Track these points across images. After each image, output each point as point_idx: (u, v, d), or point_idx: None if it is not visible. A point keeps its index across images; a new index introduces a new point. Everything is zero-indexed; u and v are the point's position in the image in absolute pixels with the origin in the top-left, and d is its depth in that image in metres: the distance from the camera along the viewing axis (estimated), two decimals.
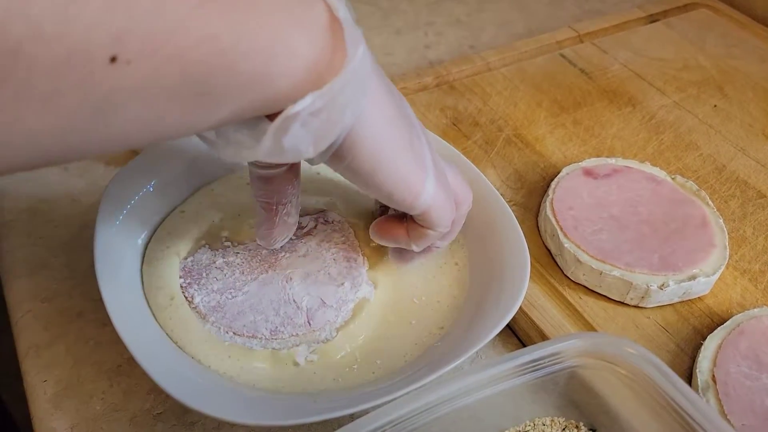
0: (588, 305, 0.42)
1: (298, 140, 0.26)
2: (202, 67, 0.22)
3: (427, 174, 0.32)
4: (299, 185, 0.35)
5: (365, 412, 0.30)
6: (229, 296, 0.37)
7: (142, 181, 0.41)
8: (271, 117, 0.26)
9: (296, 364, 0.35)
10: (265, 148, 0.26)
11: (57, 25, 0.18)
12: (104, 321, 0.39)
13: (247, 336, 0.36)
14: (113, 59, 0.19)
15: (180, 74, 0.21)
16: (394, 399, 0.30)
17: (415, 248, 0.36)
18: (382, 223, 0.37)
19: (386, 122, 0.30)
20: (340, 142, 0.29)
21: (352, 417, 0.31)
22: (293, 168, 0.34)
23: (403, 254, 0.39)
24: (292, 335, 0.36)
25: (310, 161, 0.30)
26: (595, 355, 0.32)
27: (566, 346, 0.32)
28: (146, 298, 0.37)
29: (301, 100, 0.25)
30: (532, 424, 0.34)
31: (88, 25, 0.18)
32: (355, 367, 0.36)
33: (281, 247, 0.38)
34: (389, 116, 0.30)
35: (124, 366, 0.38)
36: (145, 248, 0.40)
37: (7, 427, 0.49)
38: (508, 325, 0.41)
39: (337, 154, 0.29)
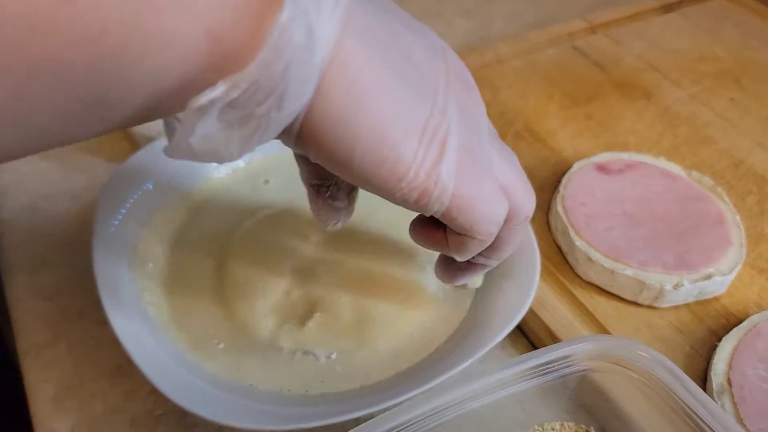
0: (600, 305, 0.41)
1: (212, 142, 0.20)
2: (89, 74, 0.18)
3: (444, 158, 0.24)
4: None
5: (370, 416, 0.29)
6: None
7: (142, 178, 0.40)
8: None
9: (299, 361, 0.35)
10: (174, 148, 0.21)
11: None
12: (105, 320, 0.39)
13: None
14: None
15: (54, 86, 0.17)
16: (401, 403, 0.29)
17: (456, 257, 0.29)
18: (418, 222, 0.30)
19: (368, 88, 0.22)
20: (297, 128, 0.22)
21: (356, 421, 0.31)
22: None
23: (447, 269, 0.32)
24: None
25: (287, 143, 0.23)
26: (607, 358, 0.31)
27: (577, 349, 0.31)
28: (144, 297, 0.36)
29: (207, 91, 0.19)
30: (541, 429, 0.33)
31: None
32: (357, 368, 0.35)
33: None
34: (370, 77, 0.22)
35: (125, 366, 0.38)
36: (144, 246, 0.39)
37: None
38: (517, 326, 0.40)
39: (299, 142, 0.23)
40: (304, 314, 0.36)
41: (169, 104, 0.20)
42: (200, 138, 0.20)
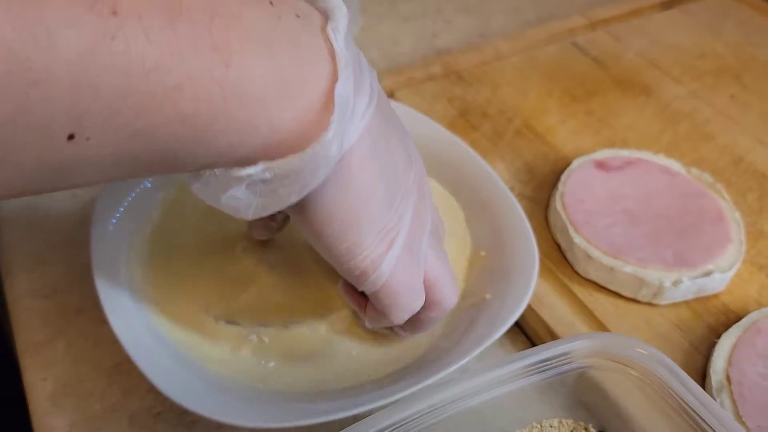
0: (599, 302, 0.41)
1: (237, 202, 0.25)
2: (171, 142, 0.21)
3: (389, 253, 0.29)
4: None
5: (368, 413, 0.29)
6: None
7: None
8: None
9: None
10: (203, 192, 0.25)
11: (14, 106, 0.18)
12: (104, 318, 0.38)
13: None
14: (71, 137, 0.19)
15: (145, 148, 0.21)
16: (398, 400, 0.29)
17: (367, 324, 0.33)
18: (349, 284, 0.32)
19: (359, 187, 0.27)
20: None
21: (354, 418, 0.31)
22: None
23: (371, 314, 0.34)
24: None
25: None
26: (606, 355, 0.31)
27: (576, 346, 0.31)
28: (143, 295, 0.36)
29: (249, 167, 0.23)
30: (539, 426, 0.33)
31: (50, 109, 0.18)
32: (357, 366, 0.35)
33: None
34: (363, 179, 0.27)
35: (124, 364, 0.38)
36: (143, 244, 0.39)
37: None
38: (516, 323, 0.40)
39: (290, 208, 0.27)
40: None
41: (216, 166, 0.24)
42: (229, 197, 0.24)
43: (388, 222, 0.28)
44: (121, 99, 0.19)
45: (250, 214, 0.25)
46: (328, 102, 0.24)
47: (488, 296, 0.36)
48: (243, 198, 0.24)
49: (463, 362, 0.32)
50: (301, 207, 0.27)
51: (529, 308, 0.39)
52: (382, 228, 0.28)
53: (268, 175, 0.23)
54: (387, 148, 0.28)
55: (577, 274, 0.42)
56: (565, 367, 0.31)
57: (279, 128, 0.23)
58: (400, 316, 0.31)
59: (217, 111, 0.21)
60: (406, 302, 0.30)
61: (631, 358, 0.30)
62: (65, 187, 0.22)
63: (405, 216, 0.29)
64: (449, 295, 0.32)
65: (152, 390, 0.36)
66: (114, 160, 0.21)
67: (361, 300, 0.33)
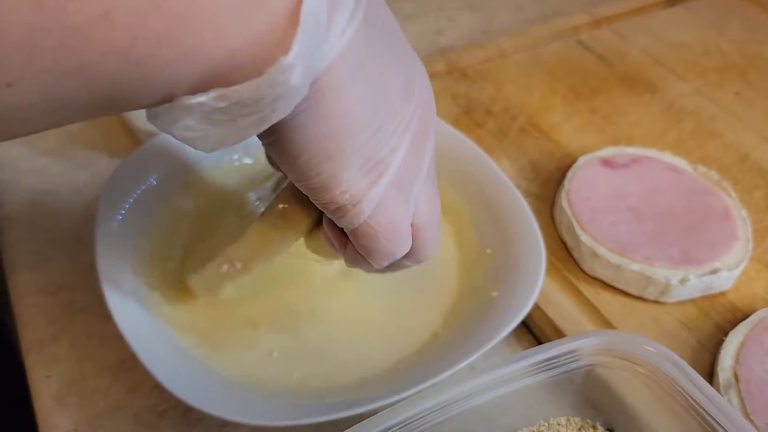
0: (605, 300, 0.40)
1: (192, 133, 0.22)
2: (111, 80, 0.19)
3: (372, 189, 0.26)
4: None
5: (374, 411, 0.29)
6: None
7: (145, 174, 0.40)
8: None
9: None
10: (154, 120, 0.22)
11: None
12: (108, 316, 0.38)
13: None
14: None
15: (82, 89, 0.19)
16: (405, 398, 0.29)
17: (345, 262, 0.30)
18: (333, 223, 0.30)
19: (336, 115, 0.24)
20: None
21: (360, 417, 0.30)
22: None
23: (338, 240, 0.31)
24: None
25: None
26: (613, 353, 0.31)
27: (583, 344, 0.31)
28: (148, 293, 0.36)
29: (199, 95, 0.20)
30: (546, 424, 0.33)
31: None
32: (362, 363, 0.35)
33: None
34: (342, 106, 0.24)
35: (128, 362, 0.37)
36: (147, 242, 0.39)
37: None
38: (522, 322, 0.40)
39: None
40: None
41: (176, 98, 0.21)
42: (182, 128, 0.21)
43: (375, 155, 0.25)
44: (36, 38, 0.17)
45: (208, 147, 0.22)
46: (294, 18, 0.20)
47: (495, 294, 0.36)
48: (198, 129, 0.21)
49: (469, 360, 0.32)
50: (269, 133, 0.24)
51: (536, 306, 0.39)
52: (366, 161, 0.25)
53: (222, 104, 0.20)
54: (377, 70, 0.25)
55: (584, 272, 0.42)
56: (573, 365, 0.31)
57: (235, 51, 0.20)
58: (380, 261, 0.28)
59: (158, 39, 0.18)
60: (387, 247, 0.28)
61: (639, 355, 0.30)
62: (9, 137, 0.20)
63: (397, 152, 0.26)
64: (432, 246, 0.30)
65: (157, 387, 0.36)
66: (48, 105, 0.19)
67: (343, 238, 0.29)
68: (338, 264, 0.38)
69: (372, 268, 0.29)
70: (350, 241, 0.28)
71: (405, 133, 0.26)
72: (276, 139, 0.24)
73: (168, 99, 0.21)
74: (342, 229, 0.28)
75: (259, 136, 0.24)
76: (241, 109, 0.21)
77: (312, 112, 0.23)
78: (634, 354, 0.31)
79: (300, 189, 0.26)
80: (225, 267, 0.33)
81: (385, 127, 0.25)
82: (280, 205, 0.32)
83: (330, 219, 0.29)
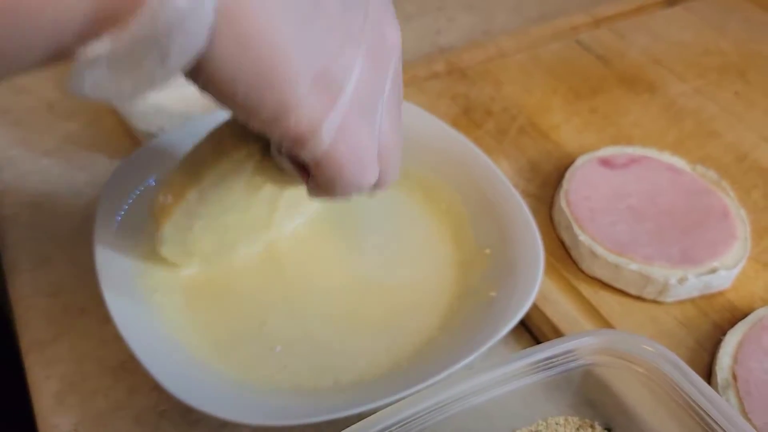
0: (604, 300, 0.40)
1: (103, 87, 0.20)
2: None
3: (331, 113, 0.24)
4: None
5: (373, 411, 0.29)
6: None
7: (144, 175, 0.40)
8: None
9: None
10: (70, 88, 0.20)
11: None
12: (108, 317, 0.39)
13: None
14: None
15: None
16: (404, 397, 0.29)
17: (307, 193, 0.29)
18: None
19: (259, 35, 0.21)
20: (189, 68, 0.21)
21: (359, 416, 0.31)
22: None
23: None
24: None
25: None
26: (611, 352, 0.31)
27: (581, 344, 0.31)
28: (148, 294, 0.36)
29: (93, 44, 0.19)
30: (545, 424, 0.33)
31: None
32: (361, 363, 0.35)
33: None
34: (271, 24, 0.21)
35: (128, 363, 0.38)
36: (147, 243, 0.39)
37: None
38: (521, 321, 0.40)
39: (191, 78, 0.22)
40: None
41: (69, 54, 0.20)
42: (90, 85, 0.20)
43: (324, 75, 0.23)
44: None
45: (126, 98, 0.21)
46: None
47: (493, 294, 0.36)
48: (107, 83, 0.20)
49: (468, 360, 0.32)
50: (196, 74, 0.22)
51: (534, 306, 0.39)
52: (314, 82, 0.23)
53: (118, 48, 0.19)
54: None
55: (582, 271, 0.42)
56: (571, 365, 0.31)
57: None
58: (345, 191, 0.27)
59: None
60: (352, 177, 0.26)
61: (637, 354, 0.30)
62: None
63: (351, 70, 0.24)
64: (394, 173, 0.28)
65: (157, 388, 0.36)
66: None
67: (304, 170, 0.28)
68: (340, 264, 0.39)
69: (336, 198, 0.28)
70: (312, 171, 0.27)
71: (357, 48, 0.24)
72: (206, 79, 0.22)
73: (59, 52, 0.19)
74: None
75: (193, 82, 0.23)
76: (141, 50, 0.19)
77: (228, 37, 0.21)
78: (632, 353, 0.31)
79: (255, 128, 0.24)
80: (163, 198, 0.32)
81: (327, 41, 0.23)
82: (217, 133, 0.32)
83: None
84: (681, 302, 0.41)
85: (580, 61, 0.59)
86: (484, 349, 0.32)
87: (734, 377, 0.36)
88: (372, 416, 0.28)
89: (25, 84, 0.55)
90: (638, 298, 0.41)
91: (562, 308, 0.40)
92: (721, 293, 0.41)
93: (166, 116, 0.45)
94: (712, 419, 0.29)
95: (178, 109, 0.44)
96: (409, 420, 0.29)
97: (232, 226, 0.36)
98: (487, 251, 0.39)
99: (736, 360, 0.36)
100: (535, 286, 0.35)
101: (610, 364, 0.31)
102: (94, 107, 0.53)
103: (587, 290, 0.41)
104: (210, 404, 0.30)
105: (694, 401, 0.29)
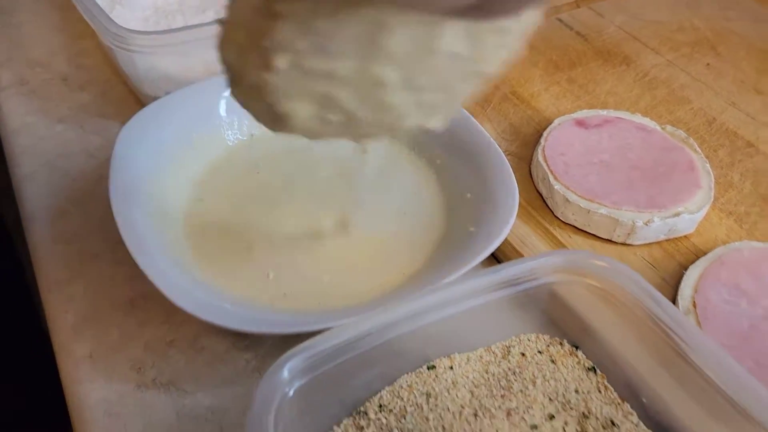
0: (577, 243, 0.44)
1: None
2: None
3: None
4: None
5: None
6: None
7: (152, 132, 0.44)
8: None
9: None
10: None
11: None
12: (119, 261, 0.42)
13: None
14: None
15: None
16: (373, 311, 0.31)
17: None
18: None
19: None
20: None
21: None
22: None
23: None
24: None
25: None
26: (570, 270, 0.34)
27: (541, 263, 0.34)
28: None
29: None
30: (518, 340, 0.36)
31: None
32: (350, 294, 0.38)
33: None
34: None
35: (138, 300, 0.41)
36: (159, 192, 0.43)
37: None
38: (497, 260, 0.43)
39: None
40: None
41: None
42: None
43: None
44: None
45: None
46: None
47: (472, 229, 0.40)
48: None
49: (443, 282, 0.35)
50: None
51: (512, 249, 0.42)
52: None
53: None
54: None
55: (557, 218, 0.45)
56: (534, 283, 0.34)
57: None
58: None
59: None
60: None
61: (594, 270, 0.34)
62: None
63: None
64: None
65: (166, 322, 0.40)
66: None
67: None
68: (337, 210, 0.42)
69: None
70: None
71: None
72: None
73: None
74: None
75: None
76: None
77: None
78: (589, 270, 0.34)
79: None
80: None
81: None
82: None
83: None
84: (648, 245, 0.44)
85: (561, 37, 0.62)
86: (461, 272, 0.36)
87: (694, 305, 0.39)
88: (338, 326, 0.30)
89: (40, 59, 0.59)
90: (608, 240, 0.44)
91: (537, 250, 0.43)
92: (686, 237, 0.44)
93: (172, 83, 0.48)
94: (666, 325, 0.32)
95: (183, 75, 0.48)
96: (387, 326, 0.31)
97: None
98: (468, 195, 0.43)
99: (696, 290, 0.40)
100: (511, 218, 0.38)
101: (570, 282, 0.34)
102: (105, 78, 0.56)
103: (562, 234, 0.44)
104: (215, 315, 0.33)
105: (651, 312, 0.32)
